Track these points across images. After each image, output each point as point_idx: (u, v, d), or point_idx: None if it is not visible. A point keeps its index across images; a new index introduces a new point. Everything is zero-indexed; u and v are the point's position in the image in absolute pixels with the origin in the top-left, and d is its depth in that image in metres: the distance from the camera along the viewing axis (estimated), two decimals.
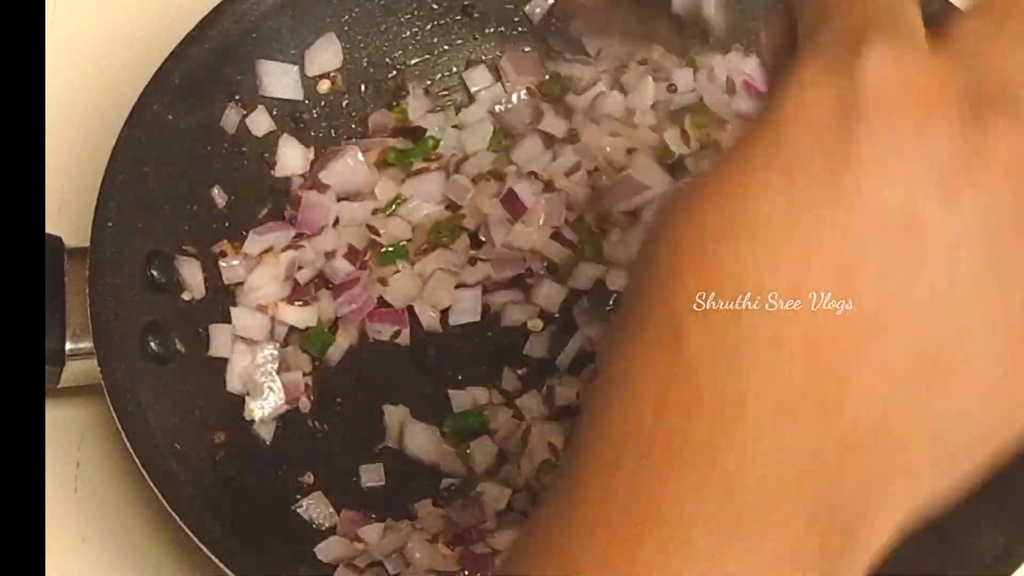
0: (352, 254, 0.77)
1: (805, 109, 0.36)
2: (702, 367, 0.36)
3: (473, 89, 0.84)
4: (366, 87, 0.83)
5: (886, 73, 0.36)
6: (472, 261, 0.78)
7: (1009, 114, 0.36)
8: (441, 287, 0.77)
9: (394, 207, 0.79)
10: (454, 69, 0.84)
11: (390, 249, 0.78)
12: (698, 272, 0.36)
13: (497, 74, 0.84)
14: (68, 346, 0.68)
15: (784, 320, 0.35)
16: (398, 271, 0.78)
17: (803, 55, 0.37)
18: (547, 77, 0.83)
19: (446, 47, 0.84)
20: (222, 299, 0.75)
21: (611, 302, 0.77)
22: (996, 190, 0.36)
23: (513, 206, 0.78)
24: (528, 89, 0.83)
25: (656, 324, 0.37)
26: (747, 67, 0.81)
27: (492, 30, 0.84)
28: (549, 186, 0.80)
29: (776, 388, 0.35)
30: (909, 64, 0.36)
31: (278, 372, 0.74)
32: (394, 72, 0.83)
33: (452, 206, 0.80)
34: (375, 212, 0.79)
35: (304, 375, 0.75)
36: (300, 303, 0.76)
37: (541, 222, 0.78)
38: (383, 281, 0.77)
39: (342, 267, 0.76)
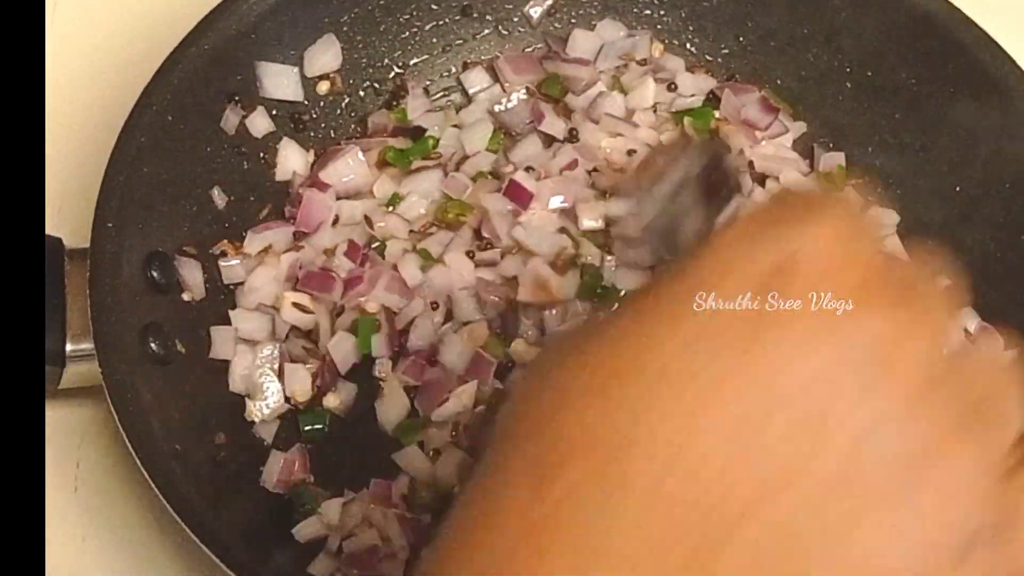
0: (353, 251, 0.77)
1: (729, 269, 0.35)
2: (565, 515, 0.34)
3: (471, 91, 0.84)
4: (366, 87, 0.83)
5: (823, 248, 0.35)
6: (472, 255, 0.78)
7: (925, 307, 0.35)
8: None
9: (392, 205, 0.79)
10: (453, 69, 0.84)
11: (382, 244, 0.78)
12: (580, 414, 0.35)
13: (495, 75, 0.84)
14: (69, 347, 0.68)
15: (665, 473, 0.34)
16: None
17: (739, 217, 0.36)
18: (545, 77, 0.83)
19: (445, 47, 0.84)
20: (222, 300, 0.75)
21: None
22: (911, 405, 0.34)
23: (519, 195, 0.78)
24: (528, 89, 0.83)
25: (524, 460, 0.35)
26: None
27: (491, 30, 0.85)
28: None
29: (644, 548, 0.34)
30: (849, 243, 0.35)
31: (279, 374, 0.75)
32: (394, 72, 0.83)
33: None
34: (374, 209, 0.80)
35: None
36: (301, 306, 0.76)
37: (549, 206, 0.78)
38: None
39: (344, 264, 0.76)
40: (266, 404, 0.74)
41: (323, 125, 0.81)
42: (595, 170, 0.80)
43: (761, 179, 0.82)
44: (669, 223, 0.55)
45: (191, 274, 0.74)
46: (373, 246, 0.78)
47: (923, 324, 0.35)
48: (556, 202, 0.78)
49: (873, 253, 0.36)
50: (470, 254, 0.78)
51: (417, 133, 0.82)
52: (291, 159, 0.80)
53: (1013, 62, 0.78)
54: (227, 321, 0.75)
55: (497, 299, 0.77)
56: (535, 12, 0.85)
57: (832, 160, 0.83)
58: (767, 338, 0.34)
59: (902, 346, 0.34)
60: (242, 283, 0.76)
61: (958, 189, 0.80)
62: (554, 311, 0.76)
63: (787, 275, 0.34)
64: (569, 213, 0.79)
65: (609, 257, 0.77)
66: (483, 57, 0.84)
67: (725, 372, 0.34)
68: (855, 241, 0.35)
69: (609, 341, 0.36)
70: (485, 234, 0.78)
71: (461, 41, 0.84)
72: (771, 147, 0.83)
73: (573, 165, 0.80)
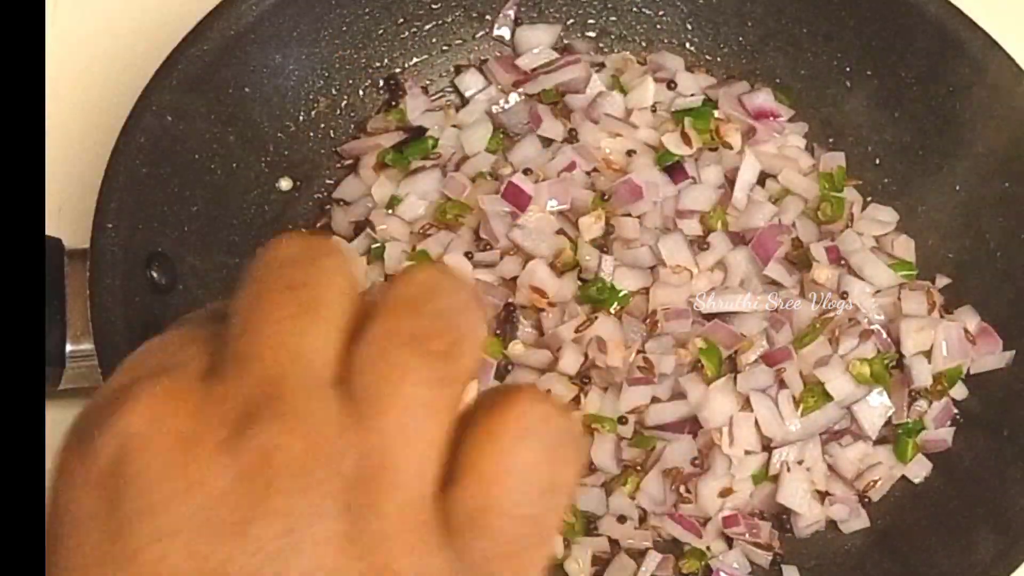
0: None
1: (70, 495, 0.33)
2: None
3: (467, 93, 0.84)
4: (365, 87, 0.83)
5: (134, 426, 0.33)
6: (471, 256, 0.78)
7: (270, 415, 0.32)
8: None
9: (391, 207, 0.79)
10: (452, 69, 0.84)
11: (381, 247, 0.78)
12: None
13: (488, 76, 0.84)
14: (69, 348, 0.68)
15: None
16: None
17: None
18: (541, 91, 0.83)
19: (444, 47, 0.84)
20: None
21: None
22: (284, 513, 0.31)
23: (517, 197, 0.78)
24: (526, 95, 0.83)
25: None
26: None
27: (489, 31, 0.85)
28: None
29: None
30: (163, 404, 0.32)
31: None
32: (393, 72, 0.83)
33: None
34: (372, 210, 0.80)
35: None
36: None
37: (547, 208, 0.78)
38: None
39: None
40: None
41: (322, 125, 0.81)
42: (594, 170, 0.80)
43: (762, 179, 0.82)
44: None
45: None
46: (373, 247, 0.78)
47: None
48: (554, 204, 0.78)
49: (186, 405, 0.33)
50: (468, 255, 0.78)
51: (416, 133, 0.82)
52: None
53: (1013, 62, 0.78)
54: None
55: (495, 301, 0.77)
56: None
57: (832, 160, 0.83)
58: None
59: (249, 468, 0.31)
60: None
61: (957, 188, 0.80)
62: (550, 314, 0.76)
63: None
64: (567, 215, 0.79)
65: (608, 258, 0.77)
66: (481, 59, 0.84)
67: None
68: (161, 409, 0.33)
69: None
70: (483, 235, 0.78)
71: (460, 41, 0.84)
72: (772, 146, 0.83)
73: (571, 167, 0.80)
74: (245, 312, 0.34)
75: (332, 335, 0.33)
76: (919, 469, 0.77)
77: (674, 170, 0.80)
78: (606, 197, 0.78)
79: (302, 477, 0.31)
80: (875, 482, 0.76)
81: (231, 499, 0.31)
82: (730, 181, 0.81)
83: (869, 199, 0.83)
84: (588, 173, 0.80)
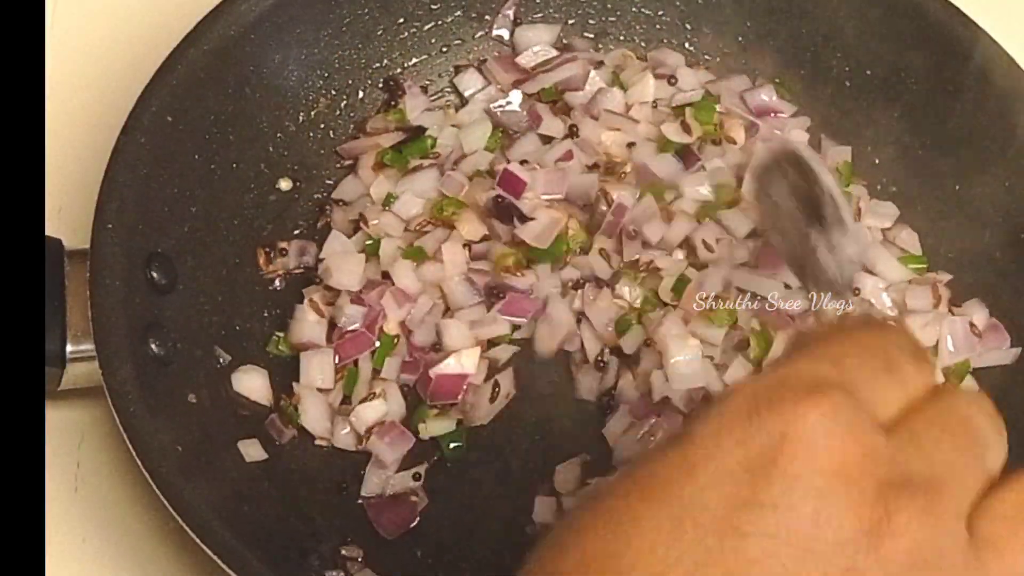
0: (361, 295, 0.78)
1: (717, 452, 0.35)
2: None
3: (466, 93, 0.84)
4: (365, 87, 0.83)
5: (820, 432, 0.35)
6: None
7: (920, 507, 0.35)
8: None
9: (387, 204, 0.79)
10: (451, 69, 0.84)
11: (375, 244, 0.78)
12: None
13: (487, 76, 0.84)
14: (69, 348, 0.67)
15: None
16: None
17: (742, 387, 0.36)
18: (541, 88, 0.83)
19: (444, 47, 0.84)
20: None
21: None
22: None
23: (512, 184, 0.78)
24: (525, 94, 0.83)
25: None
26: None
27: (488, 31, 0.85)
28: None
29: None
30: (846, 431, 0.35)
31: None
32: (392, 72, 0.83)
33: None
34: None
35: None
36: None
37: (542, 194, 0.78)
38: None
39: (354, 314, 0.76)
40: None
41: (322, 126, 0.81)
42: (595, 166, 0.80)
43: None
44: (794, 250, 0.54)
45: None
46: (367, 243, 0.78)
47: (912, 510, 0.36)
48: (550, 192, 0.79)
49: (864, 432, 0.36)
50: (466, 246, 0.78)
51: (416, 132, 0.82)
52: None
53: (1013, 62, 0.78)
54: None
55: (487, 275, 0.77)
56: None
57: (839, 155, 0.83)
58: (743, 528, 0.34)
59: (880, 535, 0.35)
60: None
61: (957, 188, 0.80)
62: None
63: (770, 461, 0.35)
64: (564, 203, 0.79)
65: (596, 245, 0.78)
66: (480, 59, 0.84)
67: (700, 564, 0.34)
68: (850, 421, 0.36)
69: (599, 522, 0.37)
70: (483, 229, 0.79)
71: (460, 41, 0.84)
72: (776, 143, 0.83)
73: (568, 157, 0.80)
74: None
75: None
76: None
77: (684, 154, 0.80)
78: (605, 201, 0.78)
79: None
80: None
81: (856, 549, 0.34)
82: (736, 176, 0.81)
83: (870, 198, 0.83)
84: (589, 167, 0.80)
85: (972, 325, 0.77)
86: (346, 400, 0.75)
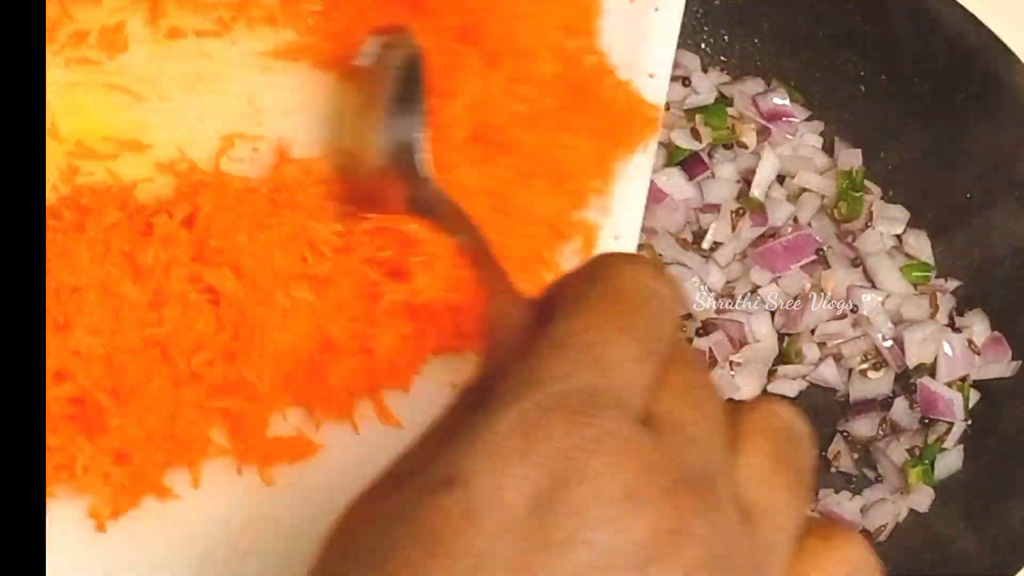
0: None
1: (503, 498, 0.33)
2: None
3: None
4: None
5: (597, 461, 0.33)
6: None
7: (707, 505, 0.34)
8: None
9: None
10: None
11: None
12: None
13: None
14: None
15: None
16: None
17: (504, 409, 0.34)
18: None
19: None
20: None
21: None
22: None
23: None
24: None
25: None
26: None
27: None
28: None
29: None
30: (620, 448, 0.34)
31: None
32: None
33: None
34: None
35: None
36: None
37: None
38: None
39: None
40: None
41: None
42: None
43: (780, 176, 0.82)
44: (401, 143, 0.54)
45: None
46: None
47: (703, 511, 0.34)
48: None
49: (637, 444, 0.34)
50: None
51: None
52: None
53: None
54: None
55: None
56: None
57: (851, 158, 0.82)
58: (541, 573, 0.33)
59: (680, 545, 0.33)
60: None
61: (968, 196, 0.80)
62: None
63: (556, 498, 0.33)
64: None
65: None
66: None
67: None
68: (621, 436, 0.34)
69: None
70: None
71: None
72: (787, 148, 0.83)
73: None
74: None
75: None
76: (922, 498, 0.76)
77: (691, 164, 0.80)
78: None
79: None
80: (883, 527, 0.75)
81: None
82: (746, 180, 0.81)
83: (882, 202, 0.83)
84: None
85: (971, 342, 0.77)
86: None
